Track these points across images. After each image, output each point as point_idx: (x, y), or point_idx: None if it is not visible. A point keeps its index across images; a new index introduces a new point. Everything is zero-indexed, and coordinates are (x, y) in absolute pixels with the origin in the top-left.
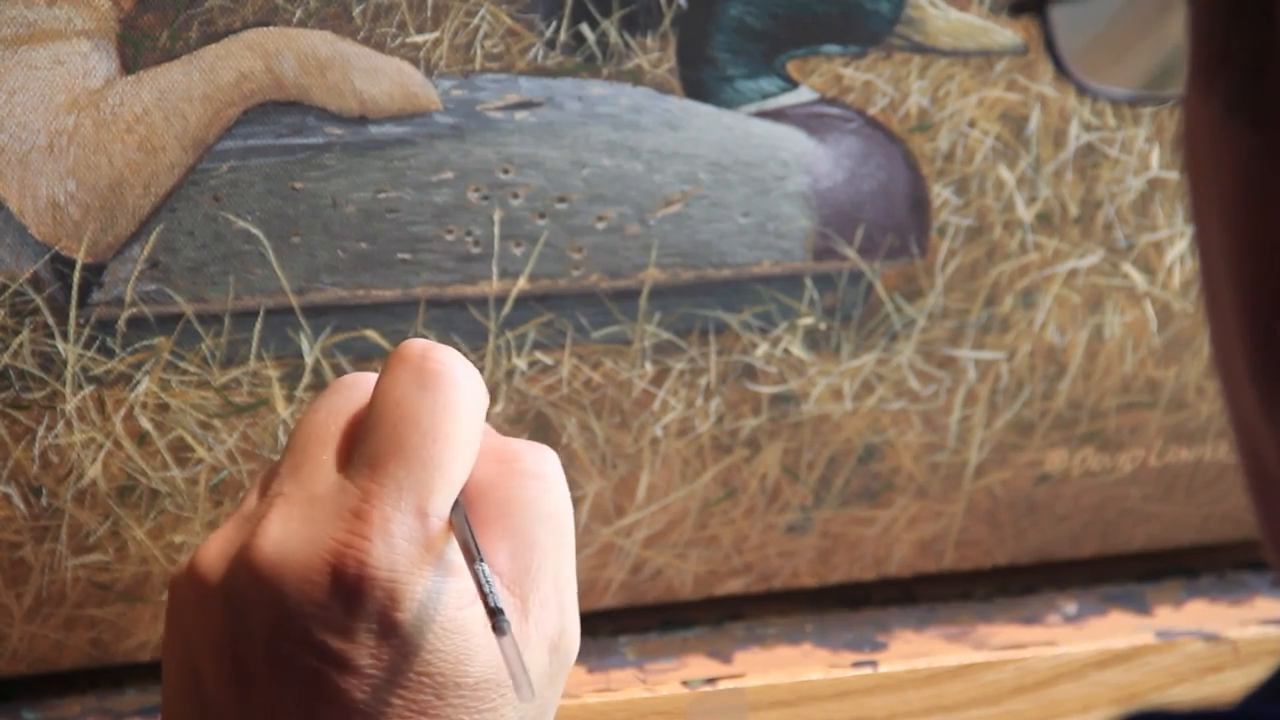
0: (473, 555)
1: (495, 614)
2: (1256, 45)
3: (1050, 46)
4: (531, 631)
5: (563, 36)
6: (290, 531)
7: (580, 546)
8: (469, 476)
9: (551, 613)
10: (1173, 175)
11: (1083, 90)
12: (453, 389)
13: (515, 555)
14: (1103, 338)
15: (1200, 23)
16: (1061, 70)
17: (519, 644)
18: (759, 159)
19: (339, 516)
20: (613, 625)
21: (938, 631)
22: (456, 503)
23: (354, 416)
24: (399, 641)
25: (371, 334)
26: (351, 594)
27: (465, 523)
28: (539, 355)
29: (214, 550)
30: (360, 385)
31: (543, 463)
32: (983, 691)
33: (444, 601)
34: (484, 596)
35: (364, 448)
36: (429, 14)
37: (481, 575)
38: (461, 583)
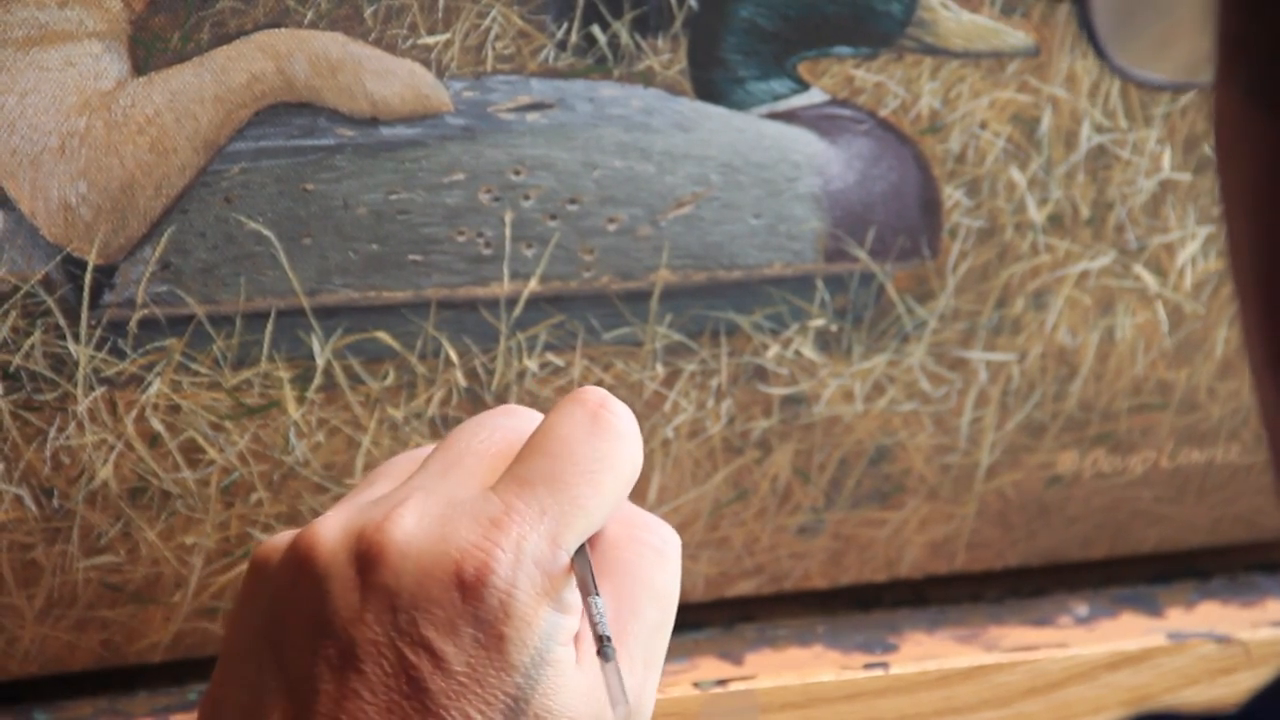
0: (589, 589)
1: (603, 640)
2: (1275, 33)
3: (1087, 27)
4: None
5: (574, 38)
6: (425, 526)
7: None
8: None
9: (633, 683)
10: (1184, 177)
11: (1123, 76)
12: (618, 442)
13: (616, 617)
14: (1114, 339)
15: (1221, 10)
16: (1099, 52)
17: (620, 672)
18: (770, 160)
19: (476, 521)
20: None
21: (949, 633)
22: (581, 546)
23: (514, 442)
24: (498, 656)
25: (383, 335)
26: (468, 595)
27: (588, 565)
28: (550, 357)
29: (333, 529)
30: (527, 416)
31: (667, 540)
32: (994, 693)
33: (549, 633)
34: (594, 625)
35: (518, 467)
36: (440, 15)
37: (595, 606)
38: (568, 620)
